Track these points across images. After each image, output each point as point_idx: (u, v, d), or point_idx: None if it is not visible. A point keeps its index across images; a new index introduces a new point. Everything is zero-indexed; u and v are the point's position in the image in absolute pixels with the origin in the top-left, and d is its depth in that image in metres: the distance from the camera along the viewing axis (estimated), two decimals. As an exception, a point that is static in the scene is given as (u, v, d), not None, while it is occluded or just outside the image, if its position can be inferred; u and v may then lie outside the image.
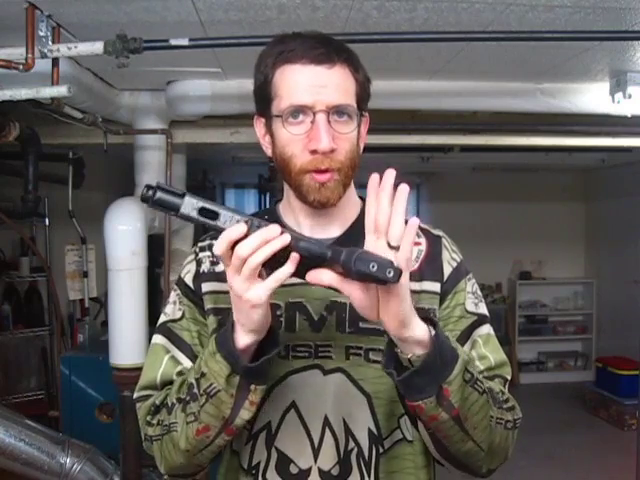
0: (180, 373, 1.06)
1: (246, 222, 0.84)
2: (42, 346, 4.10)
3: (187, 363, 1.07)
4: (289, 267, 0.84)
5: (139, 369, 2.65)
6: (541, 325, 6.49)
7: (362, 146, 1.08)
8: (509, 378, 1.09)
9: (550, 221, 6.27)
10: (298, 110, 0.98)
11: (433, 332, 0.89)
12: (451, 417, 0.91)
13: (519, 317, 6.46)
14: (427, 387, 0.89)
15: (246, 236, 0.84)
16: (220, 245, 0.84)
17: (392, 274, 0.80)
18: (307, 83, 0.98)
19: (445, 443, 0.97)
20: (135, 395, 1.10)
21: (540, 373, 6.45)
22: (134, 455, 2.46)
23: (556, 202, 6.38)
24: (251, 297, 0.85)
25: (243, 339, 0.91)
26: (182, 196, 0.85)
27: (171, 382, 1.06)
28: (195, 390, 0.95)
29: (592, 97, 2.70)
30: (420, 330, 0.88)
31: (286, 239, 0.84)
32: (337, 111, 0.99)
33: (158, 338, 1.11)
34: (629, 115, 2.69)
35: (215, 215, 0.85)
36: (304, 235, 0.91)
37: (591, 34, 1.91)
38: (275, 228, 0.84)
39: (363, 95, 1.04)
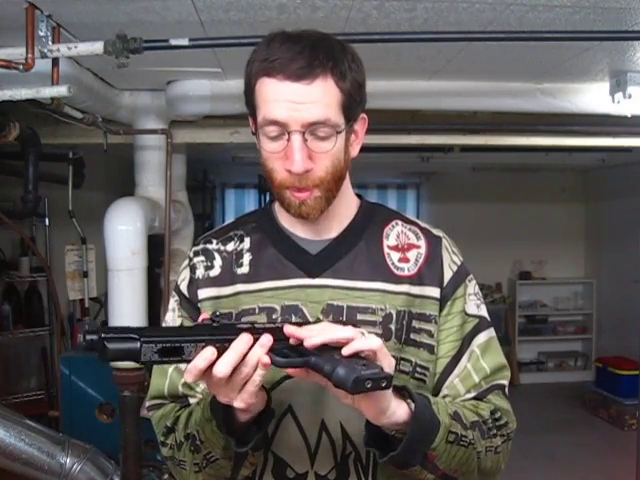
0: (185, 385, 1.07)
1: (213, 342, 0.80)
2: (42, 346, 4.10)
3: None
4: (261, 373, 0.83)
5: (139, 369, 2.67)
6: (541, 325, 6.50)
7: (357, 148, 1.06)
8: (506, 383, 1.08)
9: (550, 221, 6.27)
10: (273, 126, 0.95)
11: (412, 406, 0.89)
12: (437, 477, 0.94)
13: (519, 317, 6.46)
14: (411, 460, 0.91)
15: (219, 349, 0.81)
16: (191, 376, 0.81)
17: (385, 384, 0.79)
18: (282, 99, 0.94)
19: None
20: (147, 404, 1.12)
21: (540, 373, 6.45)
22: (134, 455, 2.46)
23: (556, 202, 6.38)
24: (241, 405, 0.85)
25: (239, 417, 0.91)
26: (137, 339, 0.78)
27: (177, 394, 1.07)
28: (198, 443, 0.97)
29: (592, 97, 2.70)
30: (400, 413, 0.88)
31: (266, 345, 0.82)
32: (315, 129, 0.95)
33: None
34: (629, 115, 2.69)
35: (179, 350, 0.80)
36: (284, 321, 0.90)
37: (591, 34, 1.91)
38: (245, 338, 0.82)
39: (351, 104, 0.98)
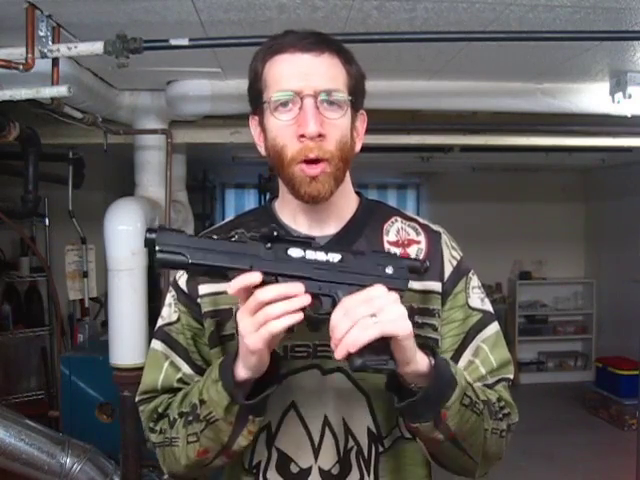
0: (180, 380, 1.07)
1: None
2: (42, 346, 4.10)
3: (185, 368, 1.07)
4: (289, 320, 0.85)
5: (139, 369, 2.66)
6: (541, 325, 6.49)
7: (359, 145, 1.07)
8: (511, 377, 1.09)
9: (550, 221, 6.27)
10: (286, 96, 0.98)
11: (433, 362, 0.92)
12: (447, 438, 0.95)
13: (519, 317, 6.45)
14: (425, 413, 0.92)
15: (262, 284, 0.85)
16: (232, 290, 0.85)
17: (385, 372, 0.88)
18: (295, 70, 0.98)
19: (440, 457, 1.01)
20: (137, 399, 1.11)
21: (540, 373, 6.45)
22: (134, 455, 2.47)
23: (556, 202, 6.37)
24: (249, 342, 0.86)
25: (241, 373, 0.92)
26: (186, 259, 0.85)
27: (171, 388, 1.07)
28: (198, 411, 0.97)
29: (592, 97, 2.70)
30: (422, 365, 0.91)
31: (306, 301, 0.85)
32: (326, 98, 0.98)
33: (157, 344, 1.10)
34: (629, 115, 2.69)
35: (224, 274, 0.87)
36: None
37: (591, 34, 1.91)
38: (299, 287, 0.85)
39: (356, 88, 1.03)
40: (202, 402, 0.96)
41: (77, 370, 3.07)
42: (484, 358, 1.06)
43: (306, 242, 0.90)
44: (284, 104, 0.98)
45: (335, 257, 0.90)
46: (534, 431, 4.87)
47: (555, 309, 6.57)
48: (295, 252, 0.89)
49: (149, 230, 0.85)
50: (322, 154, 0.98)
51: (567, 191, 6.46)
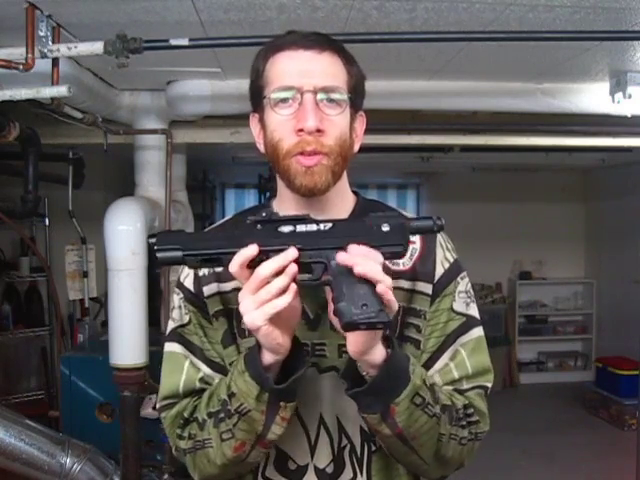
0: (202, 380, 1.06)
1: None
2: (42, 346, 4.10)
3: (205, 368, 1.07)
4: (288, 298, 0.86)
5: (139, 369, 2.68)
6: (541, 325, 6.49)
7: (357, 146, 1.07)
8: (489, 386, 1.08)
9: (550, 221, 6.27)
10: (286, 92, 0.98)
11: (387, 354, 0.91)
12: (394, 434, 0.95)
13: (519, 317, 6.45)
14: (373, 404, 0.93)
15: (260, 260, 0.87)
16: (234, 262, 0.87)
17: (380, 327, 0.86)
18: (296, 67, 0.99)
19: (391, 452, 1.01)
20: (158, 405, 1.10)
21: (540, 373, 6.45)
22: (134, 455, 2.47)
23: (556, 202, 6.37)
24: (248, 320, 0.87)
25: (265, 357, 0.92)
26: (180, 250, 0.92)
27: (194, 390, 1.06)
28: (228, 407, 0.96)
29: (592, 97, 2.70)
30: (377, 356, 0.90)
31: (294, 269, 0.86)
32: (326, 95, 0.99)
33: (174, 346, 1.10)
34: (629, 115, 2.69)
35: (219, 259, 0.92)
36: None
37: (591, 34, 1.91)
38: (292, 252, 0.87)
39: (356, 88, 1.03)
40: (232, 395, 0.95)
41: (77, 370, 3.07)
42: (459, 362, 1.06)
43: (299, 218, 0.92)
44: (284, 100, 0.99)
45: (327, 225, 0.91)
46: (534, 431, 4.88)
47: (555, 309, 6.57)
48: (285, 228, 0.91)
49: (150, 235, 0.94)
50: (320, 147, 0.98)
51: (567, 191, 6.46)
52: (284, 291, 0.86)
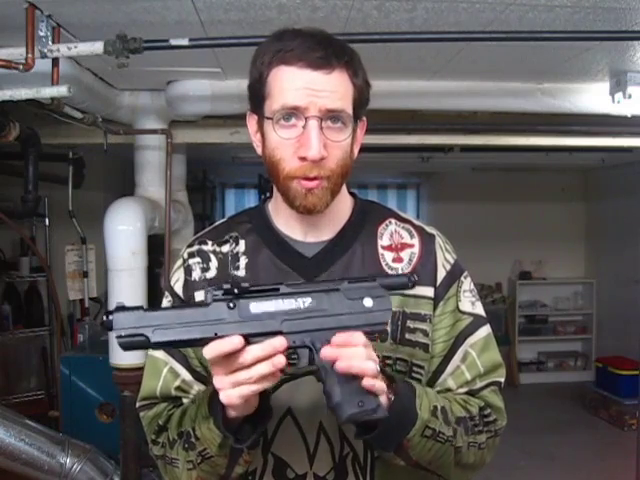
0: (178, 388, 1.06)
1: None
2: (42, 346, 4.10)
3: (184, 374, 1.06)
4: (268, 384, 0.83)
5: (139, 369, 2.66)
6: (541, 325, 6.49)
7: (356, 151, 1.06)
8: (502, 380, 1.08)
9: (550, 221, 6.27)
10: (290, 113, 0.95)
11: (392, 398, 0.90)
12: (409, 464, 0.96)
13: (519, 317, 6.45)
14: (385, 445, 0.93)
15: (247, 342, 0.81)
16: (210, 354, 0.81)
17: (376, 418, 0.85)
18: (301, 85, 0.95)
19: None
20: (137, 404, 1.10)
21: (540, 373, 6.45)
22: (134, 455, 2.47)
23: (556, 202, 6.37)
24: (224, 399, 0.84)
25: (230, 413, 0.90)
26: (147, 340, 0.83)
27: (170, 396, 1.06)
28: (192, 440, 0.96)
29: (592, 97, 2.70)
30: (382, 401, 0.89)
31: (281, 362, 0.81)
32: (331, 117, 0.96)
33: (155, 350, 1.09)
34: (629, 115, 2.69)
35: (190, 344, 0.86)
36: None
37: (591, 34, 1.91)
38: (281, 342, 0.82)
39: (361, 100, 1.01)
40: (195, 436, 0.95)
41: (77, 370, 3.07)
42: (470, 363, 1.05)
43: (273, 289, 0.86)
44: (287, 119, 0.96)
45: (305, 301, 0.85)
46: (534, 431, 4.87)
47: (555, 309, 6.56)
48: (261, 306, 0.84)
49: (106, 313, 0.82)
50: (322, 173, 0.97)
51: (567, 191, 6.46)
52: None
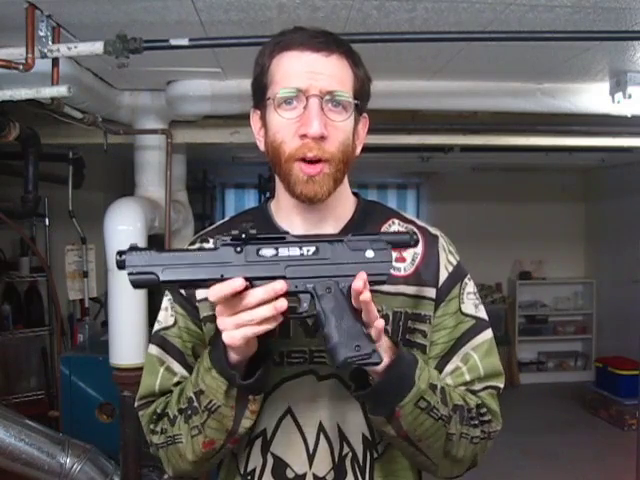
0: (177, 384, 1.06)
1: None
2: (42, 346, 4.10)
3: (182, 372, 1.07)
4: (270, 326, 0.85)
5: (139, 369, 2.65)
6: (541, 325, 6.49)
7: (359, 147, 1.06)
8: (501, 387, 1.08)
9: (550, 221, 6.27)
10: (291, 94, 0.97)
11: (391, 360, 0.91)
12: (399, 435, 0.95)
13: (519, 317, 6.46)
14: (378, 407, 0.94)
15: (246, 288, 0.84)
16: (214, 298, 0.84)
17: (372, 364, 0.86)
18: (303, 69, 0.97)
19: (400, 450, 1.02)
20: (136, 404, 1.11)
21: (540, 373, 6.45)
22: (134, 455, 2.46)
23: (556, 202, 6.38)
24: (227, 339, 0.86)
25: (232, 356, 0.91)
26: (157, 278, 0.87)
27: (169, 392, 1.06)
28: (195, 404, 0.96)
29: (592, 97, 2.70)
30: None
31: (283, 305, 0.84)
32: (332, 99, 0.97)
33: (153, 349, 1.10)
34: (629, 115, 2.69)
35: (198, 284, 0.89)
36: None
37: (591, 34, 1.91)
38: (281, 285, 0.85)
39: (362, 91, 1.02)
40: (200, 393, 0.95)
41: (77, 370, 3.07)
42: (472, 366, 1.05)
43: (279, 237, 0.90)
44: (288, 101, 0.97)
45: (310, 249, 0.89)
46: (534, 431, 4.87)
47: (555, 309, 6.57)
48: (267, 252, 0.88)
49: (119, 252, 0.86)
50: (322, 154, 0.97)
51: (567, 191, 6.46)
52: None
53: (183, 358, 1.07)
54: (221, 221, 1.19)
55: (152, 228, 2.78)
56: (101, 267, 3.07)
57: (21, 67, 1.71)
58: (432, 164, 4.95)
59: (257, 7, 1.78)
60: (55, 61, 1.82)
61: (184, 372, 1.07)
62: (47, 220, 4.01)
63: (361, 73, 1.02)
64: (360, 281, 0.84)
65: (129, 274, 0.85)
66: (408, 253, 1.07)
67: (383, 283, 0.91)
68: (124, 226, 2.51)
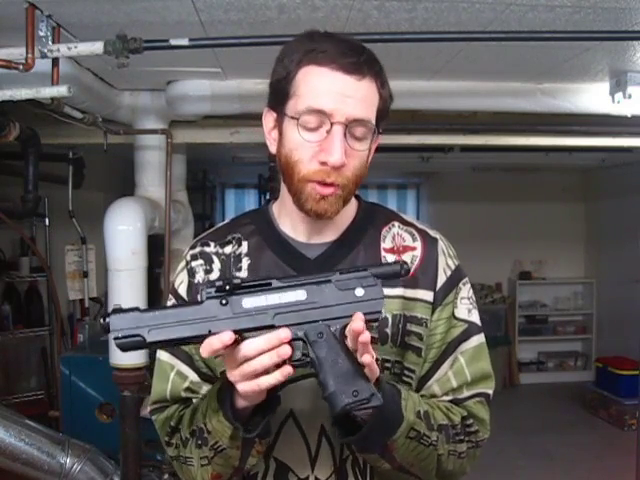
0: (188, 389, 1.07)
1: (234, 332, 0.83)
2: (42, 346, 4.10)
3: (192, 376, 1.07)
4: (280, 377, 0.84)
5: (139, 369, 2.68)
6: (541, 325, 6.50)
7: (369, 162, 1.06)
8: (490, 392, 1.07)
9: (550, 221, 6.27)
10: (315, 116, 0.94)
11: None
12: (394, 467, 0.95)
13: (519, 317, 6.46)
14: (369, 447, 0.93)
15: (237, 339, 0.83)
16: (205, 353, 0.83)
17: (370, 409, 0.85)
18: (331, 89, 0.94)
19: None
20: (149, 409, 1.11)
21: (540, 373, 6.45)
22: (134, 455, 2.46)
23: (556, 202, 6.38)
24: (241, 389, 0.85)
25: (239, 402, 0.91)
26: (143, 340, 0.84)
27: (180, 398, 1.07)
28: (205, 435, 0.97)
29: (592, 97, 2.70)
30: None
31: (287, 351, 0.83)
32: (355, 126, 0.95)
33: (162, 354, 1.10)
34: (629, 115, 2.69)
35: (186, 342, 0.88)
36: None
37: (591, 34, 1.91)
38: (286, 333, 0.83)
39: (383, 112, 1.01)
40: (207, 432, 0.96)
41: (77, 370, 3.07)
42: (458, 370, 1.05)
43: (265, 284, 0.87)
44: (312, 122, 0.95)
45: (297, 294, 0.86)
46: (534, 431, 4.88)
47: (555, 309, 6.57)
48: (253, 301, 0.85)
49: (102, 316, 0.84)
50: (339, 180, 0.96)
51: (567, 191, 6.46)
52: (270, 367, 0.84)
53: (191, 362, 1.07)
54: (221, 223, 1.19)
55: (152, 228, 2.78)
56: (101, 267, 3.07)
57: (21, 67, 1.71)
58: (432, 164, 4.95)
59: (257, 7, 1.78)
60: (55, 61, 1.82)
61: (194, 376, 1.07)
62: (47, 220, 4.01)
63: (386, 93, 1.01)
64: (360, 322, 0.83)
65: (115, 338, 0.83)
66: (407, 256, 1.07)
67: (376, 321, 0.90)
68: (124, 226, 2.51)
